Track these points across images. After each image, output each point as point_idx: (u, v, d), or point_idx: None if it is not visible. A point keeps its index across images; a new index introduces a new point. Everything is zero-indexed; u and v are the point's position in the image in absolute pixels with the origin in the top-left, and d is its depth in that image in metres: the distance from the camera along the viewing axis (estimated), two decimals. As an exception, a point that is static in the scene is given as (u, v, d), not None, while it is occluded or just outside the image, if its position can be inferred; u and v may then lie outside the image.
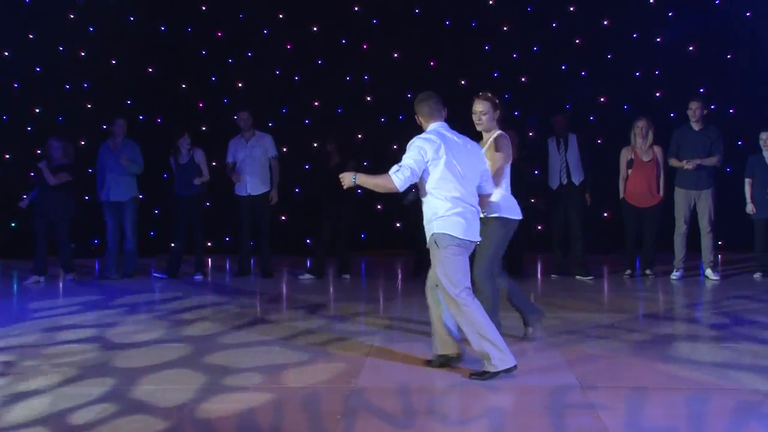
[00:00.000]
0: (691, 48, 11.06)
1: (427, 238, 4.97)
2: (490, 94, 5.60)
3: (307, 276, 9.15)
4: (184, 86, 11.59)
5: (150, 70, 11.57)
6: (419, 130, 5.12)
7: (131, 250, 9.30)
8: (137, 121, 11.36)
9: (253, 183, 9.23)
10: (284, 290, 8.59)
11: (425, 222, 5.01)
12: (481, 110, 5.51)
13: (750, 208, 8.78)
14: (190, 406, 4.40)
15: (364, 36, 11.48)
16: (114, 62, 11.54)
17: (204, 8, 11.60)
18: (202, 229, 9.31)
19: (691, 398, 4.43)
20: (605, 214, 10.72)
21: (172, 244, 9.50)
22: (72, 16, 11.53)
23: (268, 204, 9.32)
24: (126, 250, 9.30)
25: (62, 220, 9.09)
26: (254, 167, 9.22)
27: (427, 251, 5.06)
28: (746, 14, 10.95)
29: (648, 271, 8.89)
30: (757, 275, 8.74)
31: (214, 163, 10.06)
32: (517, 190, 8.89)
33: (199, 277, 9.17)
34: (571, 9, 11.25)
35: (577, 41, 11.24)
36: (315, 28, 11.48)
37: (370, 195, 11.20)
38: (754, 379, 4.76)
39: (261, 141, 9.31)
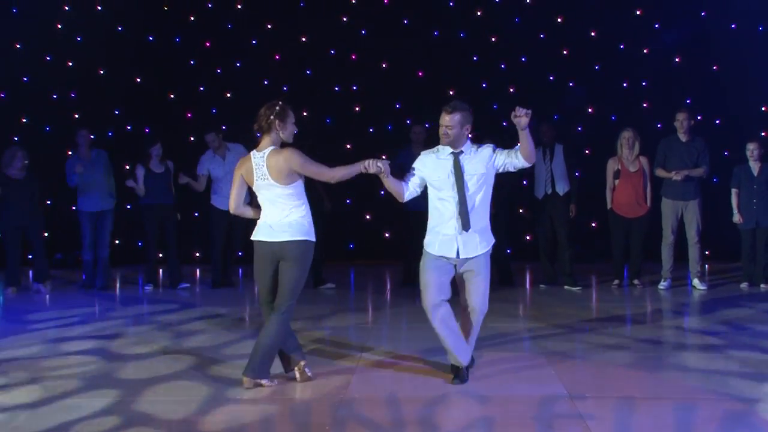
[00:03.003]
0: (677, 59, 11.15)
1: (485, 246, 5.04)
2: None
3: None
4: (172, 96, 11.57)
5: (138, 80, 11.55)
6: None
7: (106, 259, 9.25)
8: (125, 131, 11.34)
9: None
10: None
11: (485, 229, 5.08)
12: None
13: (737, 218, 8.84)
14: (183, 417, 4.37)
15: (352, 46, 11.50)
16: (102, 72, 11.50)
17: (192, 18, 11.60)
18: (176, 238, 9.27)
19: (678, 408, 4.44)
20: (593, 225, 10.76)
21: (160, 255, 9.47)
22: (59, 26, 11.50)
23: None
24: (101, 258, 9.23)
25: (36, 231, 9.07)
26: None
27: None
28: (731, 26, 11.07)
29: (636, 281, 8.93)
30: (743, 285, 8.79)
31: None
32: (496, 199, 8.97)
33: (184, 285, 9.15)
34: (559, 20, 11.32)
35: (564, 52, 11.31)
36: (303, 39, 11.51)
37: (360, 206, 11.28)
38: (742, 388, 4.78)
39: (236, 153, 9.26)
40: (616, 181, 8.86)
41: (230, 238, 9.26)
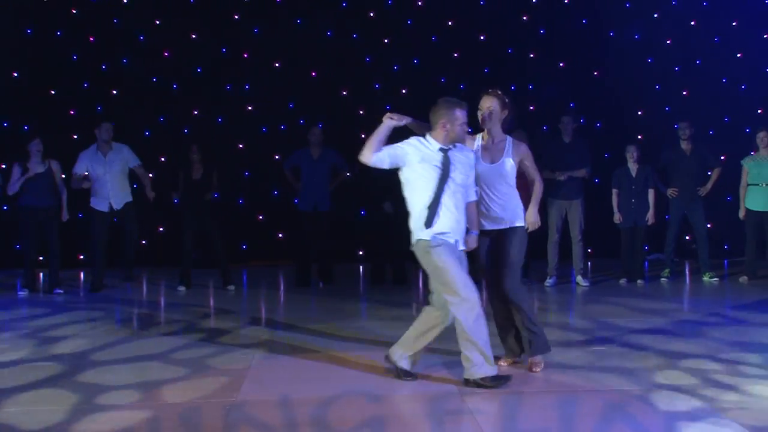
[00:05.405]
0: (561, 65, 11.59)
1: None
2: (499, 92, 5.45)
3: (182, 288, 8.94)
4: (53, 92, 11.04)
5: (15, 74, 10.96)
6: None
7: None
8: (1, 128, 10.75)
9: (116, 197, 8.98)
10: (162, 302, 8.31)
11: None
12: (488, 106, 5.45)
13: (617, 217, 9.27)
14: (61, 427, 4.17)
15: (244, 44, 11.32)
16: (-25, 66, 10.85)
17: (74, 12, 11.11)
18: (58, 241, 8.87)
19: (563, 400, 4.61)
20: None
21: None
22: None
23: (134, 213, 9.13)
24: None
25: None
26: (116, 181, 8.97)
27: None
28: (610, 34, 11.62)
29: (524, 279, 9.19)
30: (622, 281, 9.23)
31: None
32: (392, 198, 9.06)
33: (59, 291, 8.75)
34: (449, 23, 11.55)
35: (455, 55, 11.54)
36: (193, 36, 11.24)
37: (245, 206, 11.12)
38: (620, 380, 5.02)
39: (119, 153, 9.05)
40: (505, 182, 9.11)
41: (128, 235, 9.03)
